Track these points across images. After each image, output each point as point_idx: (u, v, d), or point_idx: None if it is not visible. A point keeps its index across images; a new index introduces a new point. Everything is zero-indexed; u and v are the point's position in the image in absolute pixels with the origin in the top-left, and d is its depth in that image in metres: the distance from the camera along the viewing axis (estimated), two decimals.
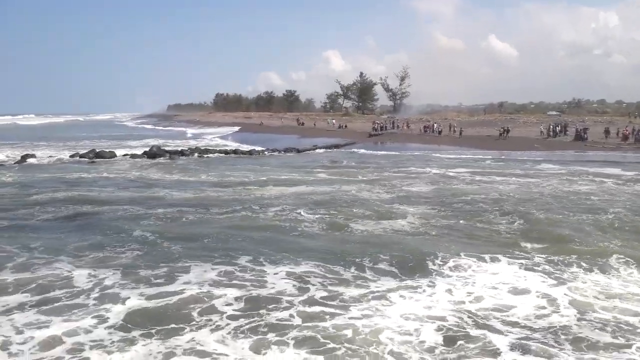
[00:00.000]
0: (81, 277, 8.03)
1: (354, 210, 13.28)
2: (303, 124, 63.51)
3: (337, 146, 38.59)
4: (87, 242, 10.03)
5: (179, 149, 31.89)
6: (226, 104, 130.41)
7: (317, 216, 12.45)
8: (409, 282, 7.98)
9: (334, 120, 61.41)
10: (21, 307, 6.94)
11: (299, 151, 34.30)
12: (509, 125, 42.30)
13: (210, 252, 9.41)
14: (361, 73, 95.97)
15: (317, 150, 35.70)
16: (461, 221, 12.09)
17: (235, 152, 31.76)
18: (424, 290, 7.64)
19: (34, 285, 7.69)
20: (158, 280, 7.92)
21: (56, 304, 7.03)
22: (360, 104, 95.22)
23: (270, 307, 6.99)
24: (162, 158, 28.00)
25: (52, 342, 5.95)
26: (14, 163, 25.13)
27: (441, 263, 8.82)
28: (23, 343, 5.95)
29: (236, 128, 65.26)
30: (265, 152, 33.11)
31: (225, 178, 19.86)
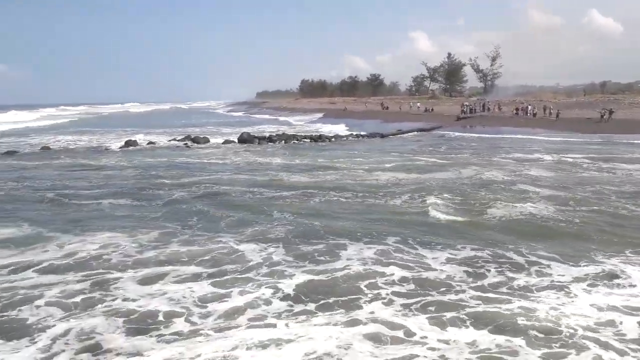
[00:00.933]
0: (248, 251, 8.60)
1: (483, 194, 13.02)
2: (387, 108, 62.68)
3: (423, 130, 37.62)
4: (234, 219, 10.73)
5: (267, 134, 32.66)
6: (311, 90, 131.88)
7: (448, 202, 12.22)
8: (586, 271, 7.64)
9: (419, 104, 59.97)
10: (197, 277, 7.53)
11: (382, 136, 33.86)
12: (612, 107, 38.62)
13: (355, 231, 9.65)
14: (449, 54, 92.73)
15: (403, 135, 34.97)
16: (608, 210, 11.31)
17: (320, 137, 31.96)
18: (608, 282, 7.25)
19: (207, 257, 8.34)
20: (321, 257, 8.26)
21: (230, 276, 7.54)
22: (448, 86, 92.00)
23: (440, 289, 7.01)
24: (252, 144, 28.85)
25: (233, 313, 6.36)
26: (118, 148, 27.04)
27: (612, 253, 8.37)
28: (206, 315, 6.36)
29: (320, 114, 65.74)
30: (350, 137, 33.04)
31: (319, 162, 20.07)
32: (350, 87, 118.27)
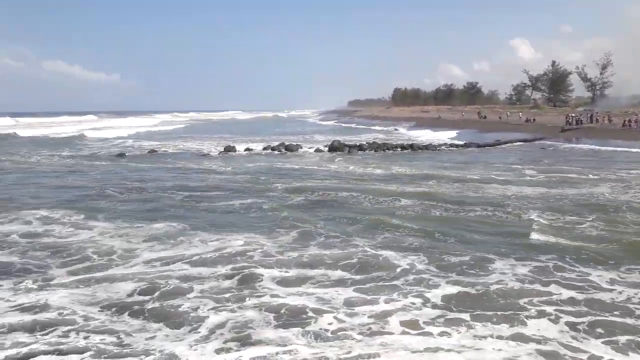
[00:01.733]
0: (389, 258, 8.61)
1: (630, 217, 11.65)
2: (485, 117, 60.17)
3: (524, 141, 35.44)
4: (361, 225, 10.89)
5: (357, 143, 32.60)
6: (404, 98, 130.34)
7: (592, 222, 11.12)
8: None
9: (520, 114, 56.80)
10: (342, 280, 7.67)
11: (479, 146, 32.40)
12: None
13: (496, 245, 9.30)
14: (553, 62, 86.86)
15: (502, 146, 33.19)
16: None
17: (412, 146, 31.29)
18: None
19: (348, 261, 8.45)
20: (470, 270, 8.04)
21: (374, 282, 7.60)
22: (552, 95, 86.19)
23: (613, 311, 6.48)
24: (342, 152, 28.94)
25: (383, 316, 6.38)
26: (218, 154, 28.41)
27: None
28: (354, 316, 6.45)
29: (412, 123, 64.74)
30: (443, 147, 31.96)
31: (423, 172, 19.65)
32: (445, 96, 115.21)
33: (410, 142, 33.68)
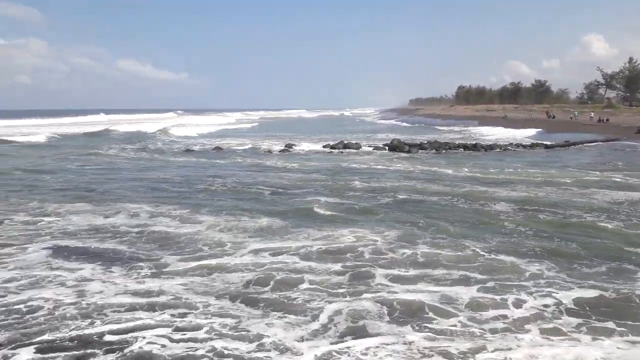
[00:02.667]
0: (507, 261, 8.35)
1: None
2: (554, 117, 57.26)
3: (596, 142, 33.35)
4: (466, 226, 10.63)
5: (417, 142, 31.96)
6: (468, 96, 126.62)
7: None
8: None
9: (592, 113, 53.54)
10: (464, 280, 7.50)
11: (547, 147, 30.83)
12: None
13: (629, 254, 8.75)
14: (630, 58, 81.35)
15: (572, 146, 31.39)
16: None
17: (475, 146, 30.25)
18: None
19: (471, 263, 8.28)
20: (604, 277, 7.65)
21: (497, 283, 7.40)
22: (628, 94, 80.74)
23: None
24: (402, 151, 28.50)
25: (516, 320, 6.23)
26: (279, 151, 28.98)
27: None
28: (480, 318, 6.37)
29: (476, 122, 62.85)
30: (509, 147, 30.65)
31: (496, 173, 18.93)
32: (511, 94, 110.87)
33: (474, 142, 32.62)
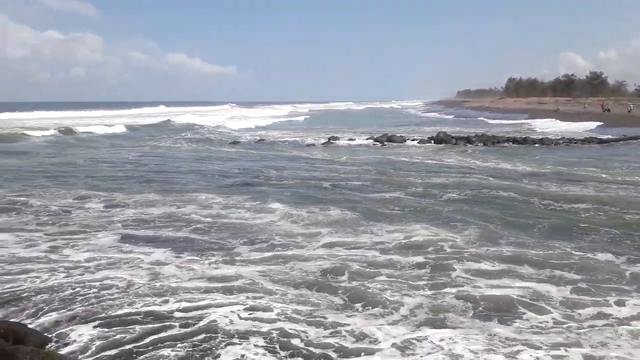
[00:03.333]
0: (601, 260, 8.09)
1: None
2: (609, 110, 54.74)
3: None
4: (545, 226, 10.20)
5: (464, 135, 31.51)
6: (518, 89, 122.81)
7: None
8: None
9: None
10: (557, 279, 7.27)
11: (602, 141, 29.68)
12: None
13: None
14: None
15: (630, 141, 30.01)
16: None
17: (525, 140, 29.52)
18: None
19: (565, 260, 8.03)
20: None
21: (602, 285, 7.14)
22: None
23: None
24: (448, 144, 28.23)
25: (613, 317, 6.09)
26: (321, 144, 29.16)
27: None
28: (575, 317, 6.19)
29: (525, 115, 61.09)
30: (560, 142, 29.69)
31: (556, 169, 18.23)
32: (564, 86, 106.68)
33: (524, 136, 31.84)
